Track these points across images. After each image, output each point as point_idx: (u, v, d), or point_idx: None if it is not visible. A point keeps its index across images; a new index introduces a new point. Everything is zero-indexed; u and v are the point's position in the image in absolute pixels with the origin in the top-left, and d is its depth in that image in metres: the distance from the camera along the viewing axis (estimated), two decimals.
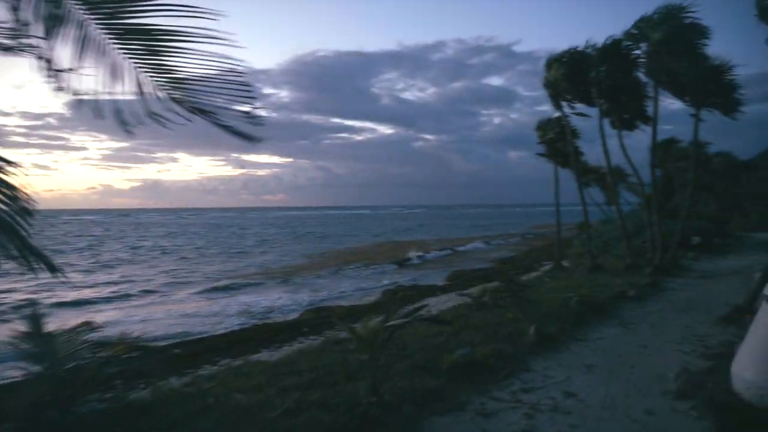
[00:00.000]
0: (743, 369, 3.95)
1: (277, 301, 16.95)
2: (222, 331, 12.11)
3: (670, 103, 12.29)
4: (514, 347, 5.53)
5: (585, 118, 13.05)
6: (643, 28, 10.61)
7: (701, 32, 10.12)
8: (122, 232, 63.81)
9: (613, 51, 11.36)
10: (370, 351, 4.00)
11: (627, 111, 12.63)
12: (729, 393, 4.03)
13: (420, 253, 32.32)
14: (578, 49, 12.02)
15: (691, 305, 7.66)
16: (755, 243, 19.32)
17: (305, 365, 5.17)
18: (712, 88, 11.07)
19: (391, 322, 4.02)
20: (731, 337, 5.68)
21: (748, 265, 11.91)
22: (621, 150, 12.77)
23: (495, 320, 6.62)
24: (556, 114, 13.64)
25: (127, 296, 18.14)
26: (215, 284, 20.45)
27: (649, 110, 12.16)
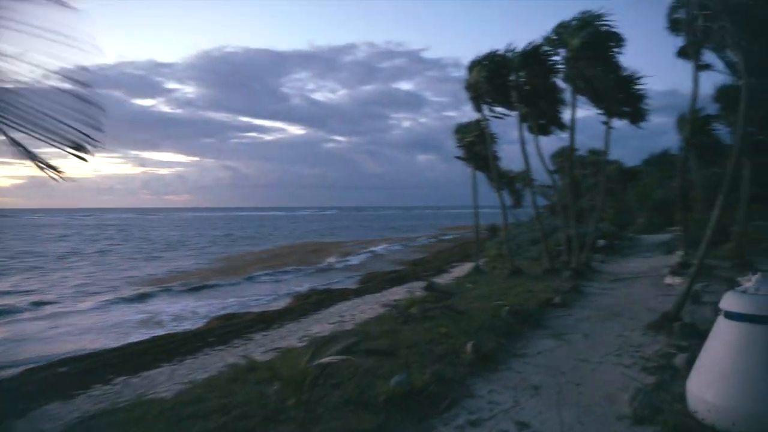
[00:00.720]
0: (702, 390, 3.70)
1: (185, 308, 15.72)
2: (120, 344, 10.74)
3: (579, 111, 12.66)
4: (453, 368, 5.01)
5: (501, 123, 13.13)
6: (562, 34, 10.73)
7: (616, 41, 10.39)
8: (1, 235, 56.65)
9: (533, 56, 11.41)
10: (297, 394, 3.24)
11: (544, 116, 12.81)
12: (689, 416, 3.76)
13: (334, 259, 31.65)
14: (499, 52, 11.97)
15: (616, 312, 7.63)
16: (647, 244, 20.69)
17: (214, 403, 4.27)
18: (623, 97, 11.48)
19: (324, 360, 3.27)
20: (664, 347, 5.59)
21: (652, 267, 12.52)
22: (538, 155, 12.93)
23: (427, 336, 6.08)
24: (476, 117, 13.54)
25: (13, 311, 15.50)
26: (118, 293, 18.39)
27: (566, 117, 12.43)
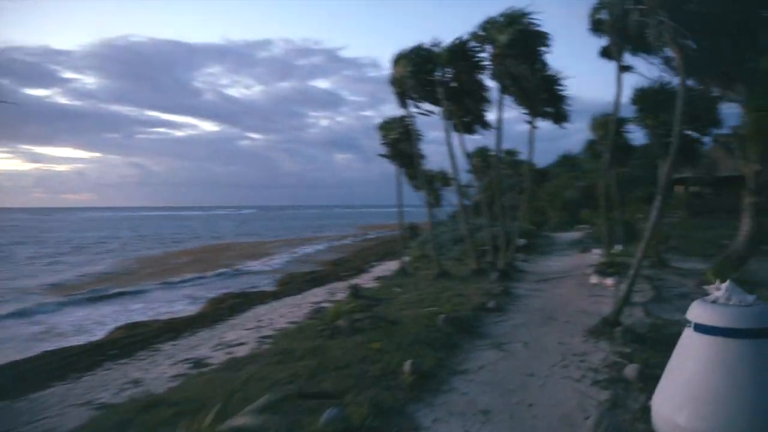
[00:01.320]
0: (673, 412, 3.33)
1: (87, 318, 14.52)
2: (4, 362, 9.40)
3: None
4: (391, 393, 4.37)
5: (421, 122, 12.77)
6: (489, 29, 10.48)
7: (542, 39, 10.30)
8: None
9: (460, 51, 11.10)
10: None
11: (469, 114, 12.59)
12: None
13: (251, 260, 30.43)
14: (426, 46, 11.55)
15: (550, 315, 7.37)
16: (561, 242, 21.43)
17: None
18: (546, 96, 11.48)
19: (236, 423, 2.46)
20: (609, 355, 5.30)
21: (573, 265, 12.71)
22: (463, 154, 12.69)
23: (359, 353, 5.40)
24: (401, 113, 13.05)
25: None
26: (14, 304, 16.56)
27: (491, 116, 12.28)
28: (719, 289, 3.46)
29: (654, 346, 5.33)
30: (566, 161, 49.29)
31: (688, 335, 3.48)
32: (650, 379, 4.37)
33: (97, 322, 13.79)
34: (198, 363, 8.81)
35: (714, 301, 3.42)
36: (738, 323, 3.20)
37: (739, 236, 8.73)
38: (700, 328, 3.36)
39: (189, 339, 11.07)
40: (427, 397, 4.42)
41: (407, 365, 4.74)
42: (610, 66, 9.74)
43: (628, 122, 14.33)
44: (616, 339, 5.63)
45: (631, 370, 4.60)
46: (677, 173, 17.84)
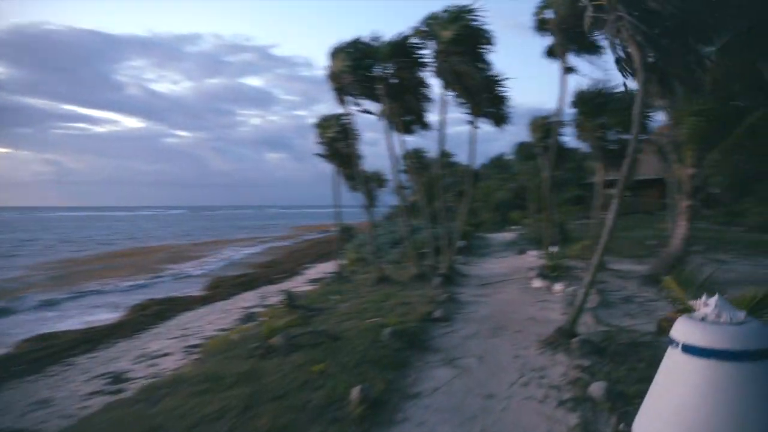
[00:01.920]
0: None
1: None
2: None
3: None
4: (339, 429, 3.76)
5: (364, 122, 12.23)
6: (432, 25, 10.08)
7: (486, 37, 10.03)
8: None
9: (402, 47, 10.63)
10: None
11: (410, 113, 12.17)
12: None
13: (177, 263, 28.87)
14: (365, 40, 10.99)
15: (500, 324, 7.00)
16: (496, 244, 21.57)
17: None
18: (489, 97, 11.26)
19: None
20: (570, 369, 4.97)
21: (512, 268, 12.60)
22: (401, 154, 12.24)
23: (299, 377, 4.73)
24: (338, 111, 12.43)
25: None
26: None
27: (432, 116, 11.93)
28: (707, 305, 3.14)
29: (613, 358, 5.06)
30: (497, 163, 50.64)
31: (674, 356, 3.12)
32: (618, 397, 4.05)
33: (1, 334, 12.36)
34: (117, 378, 8.07)
35: (703, 319, 3.10)
36: (733, 344, 2.87)
37: (675, 238, 8.83)
38: (689, 350, 3.01)
39: (108, 350, 10.35)
40: (377, 431, 3.85)
41: (355, 392, 4.14)
42: (545, 70, 9.68)
43: (565, 125, 14.54)
44: (573, 351, 5.32)
45: (597, 389, 4.24)
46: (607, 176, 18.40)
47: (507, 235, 24.83)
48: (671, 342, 3.11)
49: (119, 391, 7.28)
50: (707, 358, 2.91)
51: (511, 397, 4.43)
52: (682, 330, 3.07)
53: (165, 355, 9.31)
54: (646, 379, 3.07)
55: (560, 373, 4.91)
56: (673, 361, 3.11)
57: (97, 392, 7.42)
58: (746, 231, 21.27)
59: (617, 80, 10.49)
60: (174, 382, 5.08)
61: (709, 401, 2.85)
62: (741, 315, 2.99)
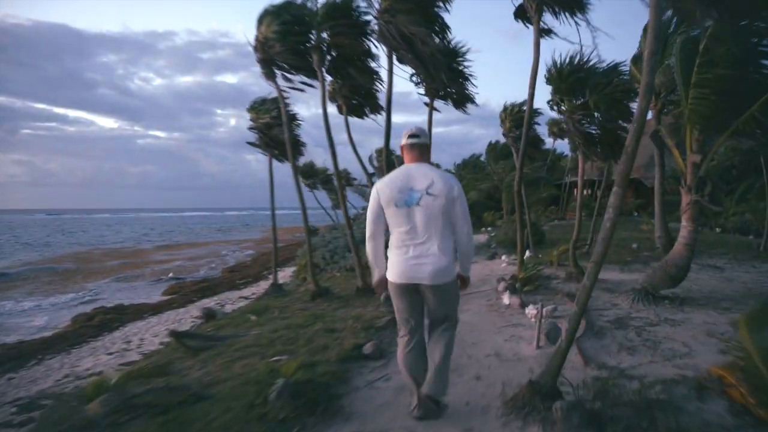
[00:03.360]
0: None
1: None
2: None
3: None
4: None
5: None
6: None
7: None
8: None
9: (341, 8, 8.65)
10: None
11: (358, 93, 10.21)
12: None
13: (144, 267, 27.52)
14: (297, 2, 8.98)
15: (452, 365, 5.07)
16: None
17: None
18: (448, 75, 9.36)
19: None
20: None
21: (480, 276, 10.72)
22: (351, 145, 10.25)
23: None
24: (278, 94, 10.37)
25: None
26: None
27: (382, 95, 9.97)
28: None
29: None
30: (470, 163, 49.13)
31: None
32: None
33: None
34: (28, 406, 6.44)
35: None
36: None
37: (678, 244, 7.04)
38: None
39: (33, 369, 9.32)
40: None
41: None
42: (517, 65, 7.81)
43: (538, 113, 12.76)
44: (555, 423, 3.40)
45: None
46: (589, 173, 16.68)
47: (479, 238, 22.96)
48: None
49: (28, 422, 5.66)
50: None
51: None
52: None
53: (96, 374, 7.91)
54: None
55: None
56: None
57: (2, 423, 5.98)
58: (722, 233, 19.96)
59: (606, 49, 8.67)
60: None
61: None
62: None
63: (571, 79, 8.64)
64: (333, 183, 28.10)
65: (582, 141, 9.06)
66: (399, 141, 3.54)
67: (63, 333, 12.52)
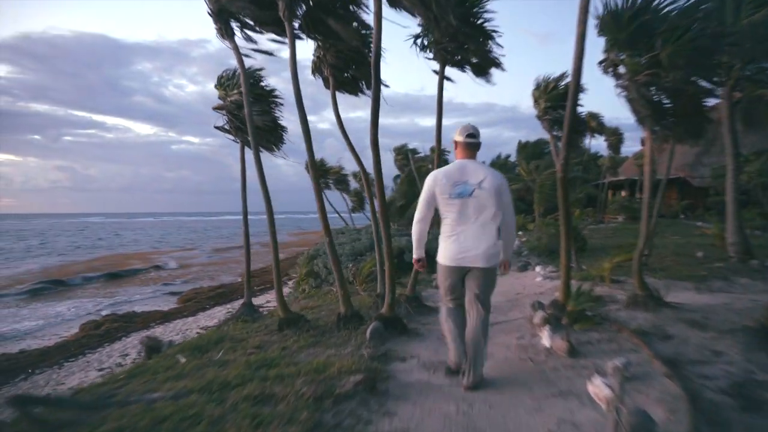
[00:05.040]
0: None
1: None
2: None
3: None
4: None
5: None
6: None
7: None
8: None
9: None
10: None
11: (346, 61, 7.91)
12: None
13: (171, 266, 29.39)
14: None
15: None
16: None
17: None
18: (466, 31, 6.96)
19: None
20: None
21: (507, 296, 8.29)
22: (339, 127, 7.96)
23: None
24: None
25: None
26: None
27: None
28: None
29: None
30: (498, 164, 46.29)
31: None
32: None
33: None
34: None
35: None
36: None
37: None
38: None
39: (18, 386, 8.99)
40: None
41: None
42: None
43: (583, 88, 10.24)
44: None
45: None
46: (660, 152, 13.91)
47: None
48: None
49: None
50: None
51: None
52: None
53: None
54: None
55: None
56: None
57: None
58: None
59: None
60: None
61: None
62: None
63: (635, 24, 6.15)
64: (348, 183, 25.83)
65: (650, 112, 6.56)
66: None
67: (65, 342, 12.25)
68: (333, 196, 25.52)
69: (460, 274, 3.91)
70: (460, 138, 3.91)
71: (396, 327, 5.90)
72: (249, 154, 8.43)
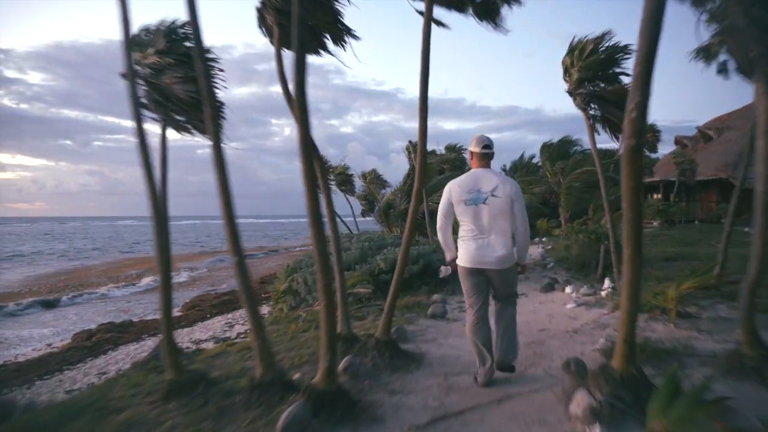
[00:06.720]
0: None
1: None
2: None
3: None
4: None
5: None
6: None
7: None
8: None
9: None
10: None
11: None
12: None
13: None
14: None
15: None
16: None
17: None
18: None
19: None
20: None
21: (532, 334, 5.83)
22: (286, 96, 5.62)
23: None
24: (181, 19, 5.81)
25: None
26: None
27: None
28: None
29: None
30: (521, 165, 43.36)
31: None
32: None
33: None
34: None
35: None
36: None
37: None
38: None
39: None
40: None
41: None
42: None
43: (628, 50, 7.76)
44: None
45: None
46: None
47: (532, 251, 17.64)
48: None
49: None
50: None
51: None
52: None
53: None
54: None
55: None
56: None
57: None
58: None
59: None
60: None
61: None
62: None
63: None
64: (353, 184, 23.48)
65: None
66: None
67: (50, 355, 11.68)
68: (334, 198, 23.25)
69: (479, 274, 4.01)
70: (476, 149, 4.07)
71: (336, 410, 3.48)
72: (204, 144, 6.13)
